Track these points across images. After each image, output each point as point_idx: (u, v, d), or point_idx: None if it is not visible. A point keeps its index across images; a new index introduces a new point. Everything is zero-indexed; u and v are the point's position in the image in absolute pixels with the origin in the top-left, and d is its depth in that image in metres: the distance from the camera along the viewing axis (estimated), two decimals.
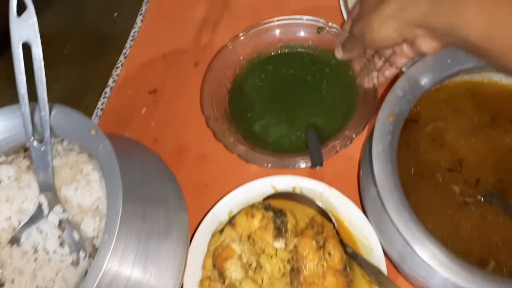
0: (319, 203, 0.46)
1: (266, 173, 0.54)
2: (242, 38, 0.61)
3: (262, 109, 0.57)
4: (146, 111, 0.62)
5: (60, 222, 0.43)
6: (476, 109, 0.47)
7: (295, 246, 0.43)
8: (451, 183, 0.45)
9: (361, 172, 0.47)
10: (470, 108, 0.47)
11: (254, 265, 0.43)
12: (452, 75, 0.43)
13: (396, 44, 0.43)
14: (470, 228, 0.43)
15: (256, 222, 0.44)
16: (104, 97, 0.64)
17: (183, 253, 0.43)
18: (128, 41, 0.69)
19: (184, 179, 0.54)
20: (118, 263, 0.36)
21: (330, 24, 0.58)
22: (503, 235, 0.42)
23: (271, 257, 0.43)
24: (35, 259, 0.42)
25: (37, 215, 0.43)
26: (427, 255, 0.37)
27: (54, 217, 0.42)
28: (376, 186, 0.40)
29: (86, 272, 0.41)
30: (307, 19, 0.59)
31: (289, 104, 0.57)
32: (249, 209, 0.45)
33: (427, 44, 0.40)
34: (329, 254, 0.42)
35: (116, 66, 0.66)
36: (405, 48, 0.44)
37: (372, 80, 0.51)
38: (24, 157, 0.47)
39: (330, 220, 0.45)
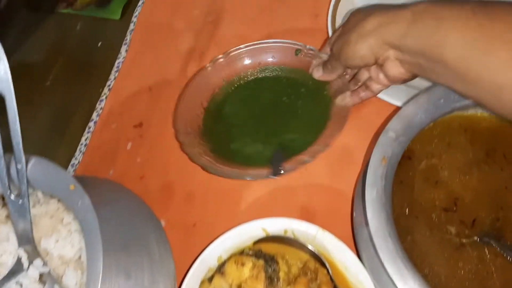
0: (312, 248, 0.44)
1: (257, 210, 0.52)
2: (221, 60, 0.60)
3: (237, 129, 0.58)
4: (131, 146, 0.60)
5: (41, 276, 0.41)
6: (470, 144, 0.46)
7: None
8: (446, 224, 0.43)
9: (354, 214, 0.45)
10: (464, 143, 0.46)
11: None
12: (446, 113, 0.42)
13: (368, 64, 0.45)
14: (467, 271, 0.41)
15: (246, 270, 0.43)
16: (88, 132, 0.62)
17: None
18: (113, 72, 0.67)
19: (172, 219, 0.53)
20: None
21: (308, 46, 0.58)
22: (502, 278, 0.41)
23: None
24: None
25: (16, 269, 0.41)
26: None
27: (34, 271, 0.40)
28: (370, 234, 0.38)
29: None
30: (285, 43, 0.60)
31: (264, 123, 0.58)
32: (239, 257, 0.43)
33: (395, 69, 0.42)
34: None
35: (100, 98, 0.65)
36: (381, 76, 0.46)
37: (344, 99, 0.52)
38: (2, 206, 0.45)
39: (323, 265, 0.44)
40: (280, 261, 0.44)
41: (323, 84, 0.56)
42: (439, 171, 0.45)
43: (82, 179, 0.46)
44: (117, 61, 0.68)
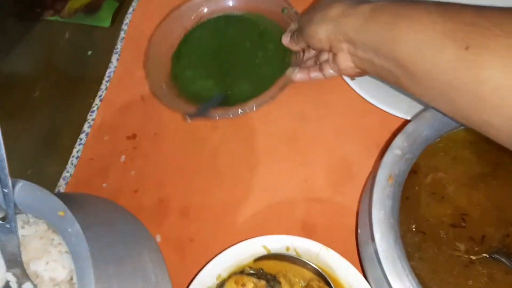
0: (315, 266, 0.42)
1: (256, 225, 0.51)
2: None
3: (196, 62, 0.61)
4: (125, 158, 0.58)
5: None
6: (476, 158, 0.45)
7: None
8: (455, 240, 0.42)
9: (359, 231, 0.44)
10: (470, 156, 0.45)
11: None
12: (452, 129, 0.41)
13: (324, 49, 0.46)
14: None
15: None
16: (79, 144, 0.60)
17: None
18: (104, 82, 0.64)
19: (167, 234, 0.51)
20: None
21: (294, 9, 0.58)
22: None
23: None
24: None
25: None
26: None
27: None
28: (377, 256, 0.36)
29: None
30: None
31: (222, 62, 0.60)
32: (240, 277, 0.41)
33: (346, 62, 0.44)
34: None
35: (92, 109, 0.62)
36: (333, 64, 0.47)
37: (293, 73, 0.54)
38: None
39: (328, 283, 0.42)
40: (282, 280, 0.42)
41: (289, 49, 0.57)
42: (445, 185, 0.44)
43: (72, 197, 0.44)
44: (108, 71, 0.65)
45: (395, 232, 0.37)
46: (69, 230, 0.33)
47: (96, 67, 0.66)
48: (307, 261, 0.43)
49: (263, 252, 0.44)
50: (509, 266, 0.40)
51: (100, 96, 0.63)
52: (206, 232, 0.51)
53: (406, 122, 0.51)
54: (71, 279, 0.40)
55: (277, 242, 0.44)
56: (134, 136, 0.59)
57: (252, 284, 0.41)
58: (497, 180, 0.44)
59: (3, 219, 0.37)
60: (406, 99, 0.51)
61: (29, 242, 0.41)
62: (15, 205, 0.37)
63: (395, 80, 0.38)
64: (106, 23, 0.71)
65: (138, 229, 0.43)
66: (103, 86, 0.64)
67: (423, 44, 0.34)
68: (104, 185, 0.56)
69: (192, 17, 0.64)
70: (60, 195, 0.37)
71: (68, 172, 0.58)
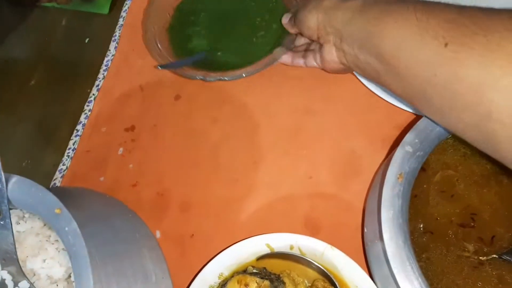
0: (320, 265, 0.41)
1: (259, 221, 0.49)
2: None
3: (201, 21, 0.60)
4: (123, 151, 0.56)
5: None
6: (487, 155, 0.43)
7: None
8: (464, 241, 0.40)
9: (365, 229, 0.42)
10: (481, 153, 0.43)
11: None
12: None
13: (312, 38, 0.47)
14: None
15: None
16: (76, 136, 0.58)
17: None
18: (101, 71, 0.62)
19: (167, 230, 0.50)
20: None
21: None
22: None
23: None
24: None
25: None
26: None
27: None
28: (385, 254, 0.35)
29: None
30: None
31: (218, 24, 0.59)
32: (242, 277, 0.40)
33: (330, 55, 0.45)
34: None
35: (89, 100, 0.60)
36: (318, 54, 0.49)
37: (280, 53, 0.53)
38: None
39: (332, 283, 0.41)
40: (286, 280, 0.41)
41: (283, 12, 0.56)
42: (455, 183, 0.42)
43: (69, 192, 0.42)
44: (105, 59, 0.63)
45: (404, 232, 0.35)
46: (66, 228, 0.32)
47: (93, 56, 0.64)
48: (311, 260, 0.41)
49: (266, 250, 0.43)
50: None
51: (98, 85, 0.61)
52: (207, 227, 0.50)
53: (414, 116, 0.50)
54: (69, 277, 0.39)
55: (280, 241, 0.43)
56: (132, 128, 0.57)
57: (256, 284, 0.39)
58: (509, 178, 0.42)
59: None
60: None
61: (24, 238, 0.39)
62: (8, 201, 0.35)
63: (378, 76, 0.39)
64: (105, 10, 0.68)
65: (138, 225, 0.42)
66: (100, 75, 0.62)
67: (405, 40, 0.34)
68: (102, 178, 0.54)
69: None
70: (56, 190, 0.36)
71: (64, 164, 0.56)
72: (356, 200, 0.48)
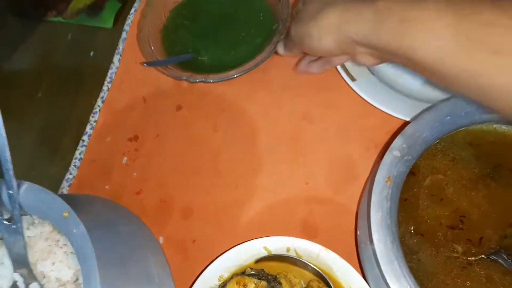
0: (315, 267, 0.43)
1: (257, 225, 0.51)
2: None
3: (194, 24, 0.64)
4: (127, 160, 0.58)
5: None
6: (475, 159, 0.45)
7: None
8: (453, 242, 0.42)
9: (358, 232, 0.44)
10: (469, 158, 0.45)
11: None
12: (452, 130, 0.41)
13: (336, 55, 0.44)
14: None
15: None
16: (82, 146, 0.60)
17: None
18: (106, 83, 0.65)
19: (170, 235, 0.52)
20: None
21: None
22: None
23: None
24: None
25: None
26: None
27: None
28: (375, 256, 0.37)
29: None
30: None
31: (212, 34, 0.62)
32: (241, 278, 0.42)
33: (367, 60, 0.41)
34: None
35: (94, 111, 0.63)
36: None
37: (302, 65, 0.54)
38: None
39: (328, 284, 0.42)
40: (283, 281, 0.42)
41: (271, 24, 0.60)
42: (444, 187, 0.44)
43: (76, 199, 0.44)
44: (110, 71, 0.66)
45: (393, 233, 0.37)
46: (74, 231, 0.34)
47: (98, 68, 0.67)
48: (307, 262, 0.43)
49: (264, 253, 0.45)
50: (506, 267, 0.41)
51: (102, 97, 0.64)
52: (209, 232, 0.52)
53: (406, 123, 0.52)
54: (77, 279, 0.41)
55: (278, 243, 0.45)
56: (136, 138, 0.60)
57: (253, 285, 0.41)
58: (496, 182, 0.44)
59: (9, 220, 0.38)
60: (406, 101, 0.52)
61: (35, 243, 0.41)
62: (20, 206, 0.37)
63: (428, 75, 0.37)
64: (109, 24, 0.71)
65: (142, 230, 0.44)
66: (105, 87, 0.64)
67: (444, 52, 0.32)
68: (107, 186, 0.57)
69: None
70: (64, 197, 0.37)
71: (71, 174, 0.58)
72: (351, 203, 0.50)
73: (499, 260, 0.41)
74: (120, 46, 0.68)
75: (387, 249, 0.37)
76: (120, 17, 0.72)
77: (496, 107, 0.34)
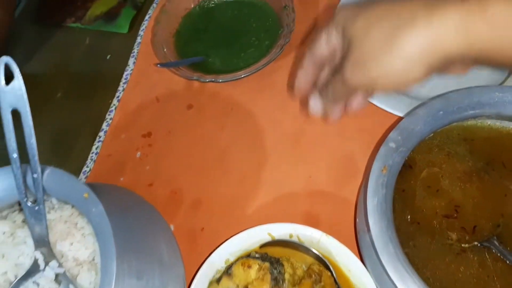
0: (316, 251, 0.45)
1: (262, 216, 0.54)
2: None
3: (204, 31, 0.69)
4: (140, 155, 0.62)
5: (57, 276, 0.43)
6: (469, 154, 0.47)
7: None
8: (448, 230, 0.44)
9: (357, 219, 0.47)
10: (464, 153, 0.47)
11: None
12: (444, 125, 0.44)
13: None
14: (468, 275, 0.42)
15: (253, 273, 0.44)
16: (98, 141, 0.64)
17: None
18: (121, 84, 0.69)
19: (180, 224, 0.55)
20: None
21: (292, 6, 0.64)
22: (502, 281, 0.42)
23: None
24: None
25: (33, 270, 0.43)
26: None
27: (50, 272, 0.42)
28: (371, 239, 0.39)
29: None
30: None
31: (223, 39, 0.67)
32: (246, 260, 0.45)
33: (462, 70, 0.35)
34: None
35: (110, 109, 0.66)
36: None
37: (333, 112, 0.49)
38: (19, 211, 0.47)
39: (327, 268, 0.45)
40: (285, 263, 0.45)
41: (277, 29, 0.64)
42: (440, 179, 0.47)
43: (94, 186, 0.47)
44: (125, 73, 0.70)
45: (388, 218, 0.40)
46: (93, 210, 0.37)
47: (114, 70, 0.71)
48: (308, 247, 0.46)
49: (268, 238, 0.48)
50: (499, 254, 0.43)
51: (118, 96, 0.67)
52: (216, 222, 0.55)
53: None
54: (93, 259, 0.44)
55: (281, 230, 0.47)
56: (149, 134, 0.63)
57: (257, 266, 0.44)
58: (489, 175, 0.46)
59: (33, 202, 0.41)
60: (405, 99, 0.54)
61: (54, 225, 0.45)
62: (43, 189, 0.40)
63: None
64: (124, 30, 0.75)
65: (155, 216, 0.47)
66: (120, 88, 0.68)
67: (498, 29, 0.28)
68: (122, 179, 0.60)
69: None
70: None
71: (87, 167, 0.62)
72: (351, 196, 0.52)
73: (492, 247, 0.43)
74: (135, 50, 0.72)
75: (382, 233, 0.39)
76: (135, 23, 0.76)
77: None
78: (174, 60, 0.64)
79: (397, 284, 0.37)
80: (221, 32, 0.68)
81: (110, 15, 0.78)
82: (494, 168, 0.47)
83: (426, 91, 0.56)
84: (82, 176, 0.61)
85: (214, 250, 0.47)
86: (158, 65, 0.61)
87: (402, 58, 0.31)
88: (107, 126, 0.65)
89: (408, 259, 0.39)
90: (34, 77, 0.74)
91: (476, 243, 0.44)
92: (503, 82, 0.54)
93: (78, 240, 0.44)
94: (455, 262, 0.43)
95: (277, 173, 0.57)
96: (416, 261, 0.43)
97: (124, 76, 0.69)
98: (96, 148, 0.63)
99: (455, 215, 0.45)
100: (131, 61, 0.71)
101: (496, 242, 0.43)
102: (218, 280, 0.46)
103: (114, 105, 0.67)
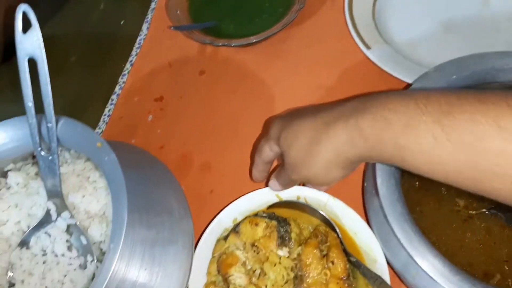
0: (323, 213, 0.46)
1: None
2: None
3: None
4: (152, 118, 0.62)
5: (68, 227, 0.44)
6: None
7: (299, 255, 0.44)
8: (455, 197, 0.44)
9: (365, 184, 0.47)
10: None
11: (258, 272, 0.44)
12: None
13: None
14: (474, 241, 0.43)
15: (260, 230, 0.45)
16: (111, 104, 0.65)
17: (188, 259, 0.44)
18: (134, 48, 0.69)
19: (189, 185, 0.55)
20: (124, 269, 0.37)
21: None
22: (509, 249, 0.42)
23: (275, 265, 0.43)
24: (44, 262, 0.43)
25: (45, 220, 0.44)
26: (430, 268, 0.37)
27: (62, 222, 0.44)
28: (379, 198, 0.40)
29: (93, 275, 0.42)
30: None
31: (236, 4, 0.67)
32: (253, 218, 0.46)
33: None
34: (332, 263, 0.42)
35: (123, 73, 0.67)
36: None
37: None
38: (33, 164, 0.48)
39: (333, 229, 0.45)
40: (292, 223, 0.46)
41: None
42: None
43: (107, 142, 0.48)
44: (138, 38, 0.70)
45: (395, 178, 0.40)
46: (106, 158, 0.38)
47: (127, 36, 0.71)
48: (315, 208, 0.46)
49: (275, 200, 0.48)
50: (505, 221, 0.43)
51: (131, 61, 0.68)
52: (225, 185, 0.55)
53: None
54: (104, 213, 0.45)
55: (289, 192, 0.48)
56: (161, 98, 0.64)
57: (265, 224, 0.45)
58: None
59: (47, 152, 0.42)
60: (421, 70, 0.54)
61: (67, 178, 0.46)
62: (57, 139, 0.41)
63: None
64: None
65: (166, 173, 0.48)
66: (133, 52, 0.69)
67: (433, 163, 0.33)
68: (133, 140, 0.61)
69: None
70: None
71: (100, 128, 0.63)
72: (361, 165, 0.52)
73: (499, 214, 0.43)
74: (149, 15, 0.72)
75: (389, 192, 0.40)
76: None
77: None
78: (186, 23, 0.64)
79: (404, 243, 0.38)
80: None
81: None
82: None
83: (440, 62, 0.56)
84: None
85: (222, 209, 0.48)
86: (172, 28, 0.61)
87: (320, 165, 0.39)
88: (119, 89, 0.65)
89: (412, 217, 0.39)
90: (48, 41, 0.74)
91: (483, 210, 0.44)
92: None
93: (90, 193, 0.44)
94: (462, 228, 0.44)
95: None
96: (423, 227, 0.43)
97: (137, 41, 0.70)
98: (109, 111, 0.64)
99: None
100: (144, 26, 0.71)
101: (503, 210, 0.43)
102: (226, 238, 0.46)
103: (127, 69, 0.67)
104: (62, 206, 0.44)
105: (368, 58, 0.57)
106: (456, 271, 0.36)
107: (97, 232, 0.43)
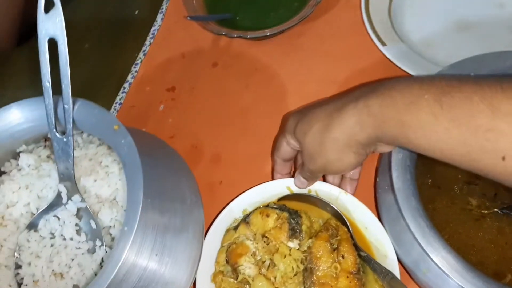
0: (334, 206, 0.46)
1: None
2: None
3: None
4: (163, 108, 0.62)
5: (78, 211, 0.44)
6: None
7: (309, 247, 0.44)
8: (468, 196, 0.44)
9: (378, 179, 0.47)
10: None
11: (267, 263, 0.43)
12: None
13: (360, 163, 0.44)
14: (486, 241, 0.43)
15: (271, 221, 0.45)
16: (122, 92, 0.65)
17: (198, 248, 0.44)
18: (148, 38, 0.69)
19: (199, 176, 0.55)
20: (135, 254, 0.37)
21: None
22: None
23: (285, 256, 0.43)
24: (52, 245, 0.43)
25: (55, 203, 0.44)
26: (443, 263, 0.36)
27: (72, 205, 0.43)
28: (394, 192, 0.39)
29: (101, 260, 0.42)
30: None
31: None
32: (265, 209, 0.45)
33: (385, 149, 0.43)
34: (343, 257, 0.42)
35: (135, 62, 0.67)
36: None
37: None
38: (45, 147, 0.48)
39: (344, 223, 0.45)
40: (303, 215, 0.45)
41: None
42: None
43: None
44: (152, 29, 0.70)
45: (411, 174, 0.40)
46: (122, 141, 0.38)
47: (141, 26, 0.71)
48: (327, 201, 0.46)
49: (286, 192, 0.48)
50: None
51: (144, 51, 0.68)
52: (234, 176, 0.55)
53: None
54: (115, 199, 0.45)
55: None
56: (173, 89, 0.64)
57: (276, 215, 0.44)
58: None
59: (62, 133, 0.42)
60: (435, 69, 0.54)
61: (79, 162, 0.46)
62: (73, 121, 0.41)
63: None
64: None
65: (178, 160, 0.48)
66: (147, 42, 0.69)
67: (445, 150, 0.34)
68: (144, 129, 0.61)
69: None
70: None
71: None
72: (373, 159, 0.52)
73: (511, 214, 0.43)
74: (164, 6, 0.72)
75: (405, 187, 0.39)
76: None
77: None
78: (201, 13, 0.64)
79: (418, 237, 0.38)
80: None
81: None
82: None
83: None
84: None
85: (233, 199, 0.48)
86: (188, 18, 0.61)
87: (333, 150, 0.40)
88: (132, 78, 0.65)
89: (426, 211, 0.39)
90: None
91: (496, 209, 0.44)
92: None
93: (101, 177, 0.44)
94: (474, 228, 0.43)
95: None
96: (435, 224, 0.43)
97: (151, 31, 0.70)
98: (120, 99, 0.64)
99: (477, 181, 0.45)
100: (159, 17, 0.71)
101: None
102: (236, 228, 0.46)
103: (140, 58, 0.67)
104: (73, 189, 0.43)
105: (383, 55, 0.57)
106: (470, 268, 0.36)
107: (107, 217, 0.43)
